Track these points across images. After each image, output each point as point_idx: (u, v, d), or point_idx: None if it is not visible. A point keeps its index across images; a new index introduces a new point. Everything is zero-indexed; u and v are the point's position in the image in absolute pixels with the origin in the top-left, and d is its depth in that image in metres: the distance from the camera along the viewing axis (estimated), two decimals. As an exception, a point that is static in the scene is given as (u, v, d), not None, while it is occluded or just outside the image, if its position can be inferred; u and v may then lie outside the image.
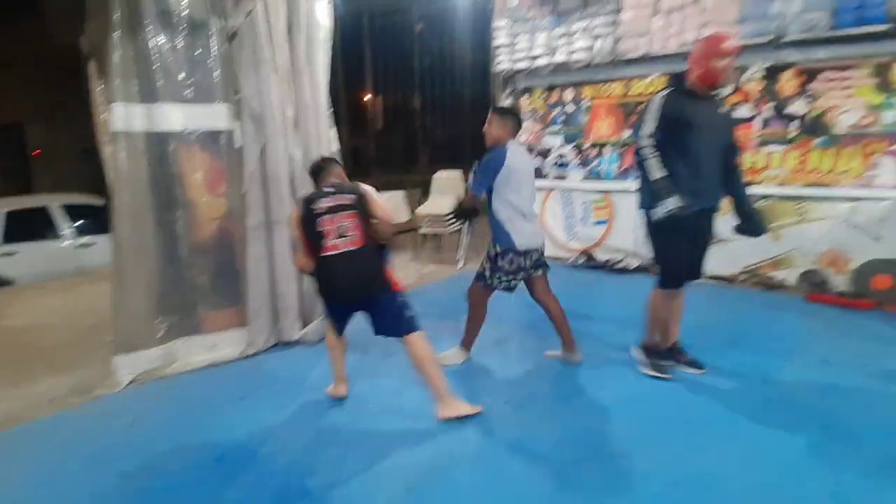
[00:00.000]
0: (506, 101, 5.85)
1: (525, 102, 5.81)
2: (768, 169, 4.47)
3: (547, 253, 5.59)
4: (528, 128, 5.80)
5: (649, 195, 2.71)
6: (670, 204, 2.58)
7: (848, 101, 4.06)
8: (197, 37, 3.26)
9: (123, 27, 3.02)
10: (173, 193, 3.28)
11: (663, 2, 4.58)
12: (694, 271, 2.92)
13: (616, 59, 4.96)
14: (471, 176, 3.10)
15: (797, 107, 4.27)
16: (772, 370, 3.04)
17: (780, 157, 4.40)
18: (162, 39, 3.14)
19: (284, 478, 2.25)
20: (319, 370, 3.12)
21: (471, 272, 3.26)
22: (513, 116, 3.12)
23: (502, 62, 5.73)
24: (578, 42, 5.07)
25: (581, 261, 5.46)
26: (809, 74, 4.18)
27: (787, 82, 4.28)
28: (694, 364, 3.03)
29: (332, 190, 2.61)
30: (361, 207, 2.56)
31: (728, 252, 4.66)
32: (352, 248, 2.50)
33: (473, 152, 6.41)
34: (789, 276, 4.46)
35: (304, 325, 3.64)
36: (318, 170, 2.74)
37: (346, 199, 2.56)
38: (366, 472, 2.26)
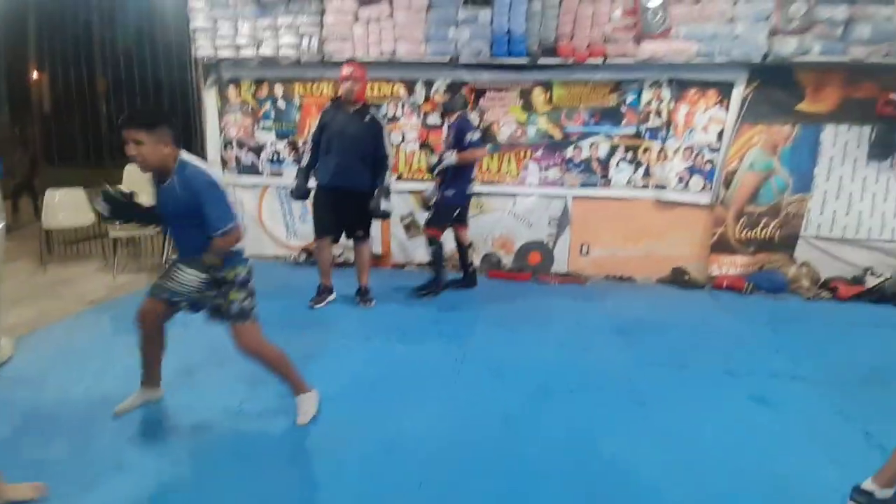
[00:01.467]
0: (210, 90, 5.43)
1: (233, 94, 5.49)
2: (455, 169, 5.27)
3: (269, 252, 5.56)
4: (239, 121, 5.52)
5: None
6: (295, 188, 4.07)
7: (505, 117, 5.11)
8: None
9: None
10: None
11: (362, 11, 4.92)
12: (331, 230, 4.10)
13: (324, 60, 5.11)
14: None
15: (473, 118, 5.15)
16: (462, 335, 3.64)
17: (462, 160, 5.25)
18: None
19: None
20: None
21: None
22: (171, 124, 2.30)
23: (203, 47, 5.29)
24: (285, 38, 5.04)
25: (302, 258, 5.47)
26: (479, 92, 5.10)
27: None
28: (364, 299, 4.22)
29: None
30: None
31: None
32: None
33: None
34: (475, 258, 5.37)
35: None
36: None
37: None
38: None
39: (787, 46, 4.35)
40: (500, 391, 2.88)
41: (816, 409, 2.79)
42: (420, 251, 5.40)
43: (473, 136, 4.26)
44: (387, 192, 4.01)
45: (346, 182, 3.94)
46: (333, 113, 3.99)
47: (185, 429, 2.48)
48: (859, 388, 3.00)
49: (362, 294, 4.25)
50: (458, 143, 4.26)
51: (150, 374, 2.63)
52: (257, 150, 5.54)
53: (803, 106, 4.64)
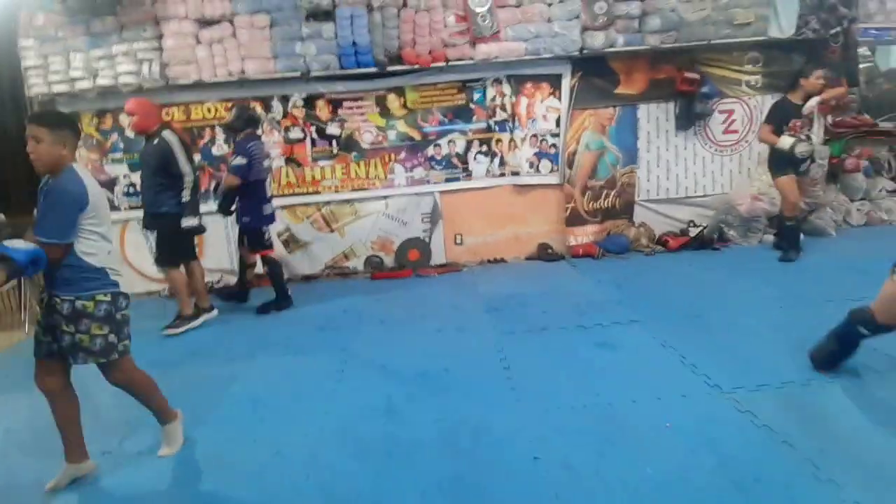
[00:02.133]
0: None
1: (72, 129, 5.14)
2: (325, 179, 5.39)
3: (139, 288, 5.30)
4: (85, 157, 5.19)
5: None
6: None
7: (365, 124, 5.32)
8: None
9: None
10: None
11: (203, 33, 4.86)
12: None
13: (169, 84, 4.97)
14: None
15: (333, 128, 5.31)
16: (346, 339, 3.81)
17: (330, 170, 5.38)
18: None
19: None
20: None
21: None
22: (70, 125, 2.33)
23: (36, 85, 4.95)
24: (123, 66, 4.84)
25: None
26: (336, 103, 5.26)
27: (322, 109, 5.26)
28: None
29: None
30: None
31: (309, 255, 5.46)
32: None
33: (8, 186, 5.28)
34: (357, 263, 5.55)
35: None
36: None
37: None
38: None
39: (597, 40, 5.00)
40: (383, 385, 3.09)
41: (646, 344, 3.34)
42: (303, 264, 5.47)
43: (234, 160, 4.18)
44: (193, 209, 4.08)
45: (148, 208, 4.13)
46: (144, 143, 4.19)
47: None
48: (678, 322, 3.61)
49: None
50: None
51: (72, 446, 2.37)
52: (110, 185, 5.25)
53: (620, 90, 5.36)
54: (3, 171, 5.48)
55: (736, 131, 5.50)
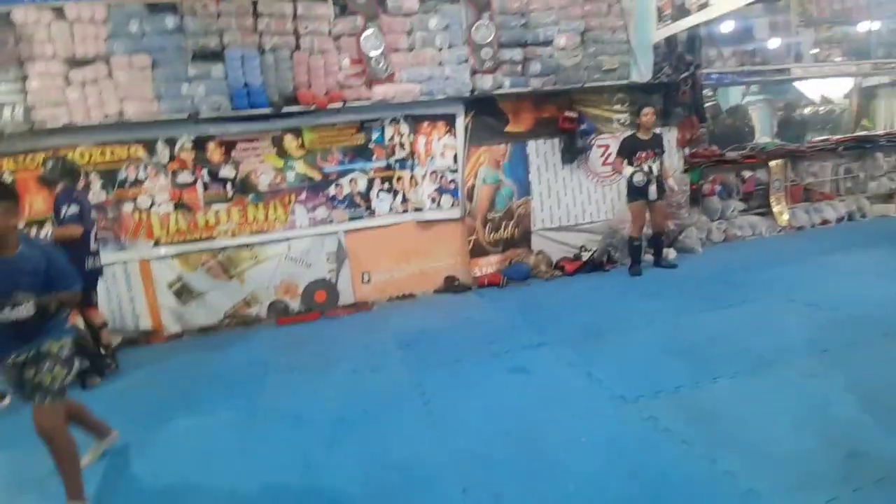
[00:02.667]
0: None
1: None
2: (220, 224, 5.12)
3: None
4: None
5: None
6: None
7: (261, 166, 5.17)
8: None
9: None
10: None
11: (74, 74, 4.48)
12: None
13: (34, 129, 4.49)
14: None
15: (227, 171, 5.09)
16: (253, 391, 3.59)
17: (225, 214, 5.13)
18: None
19: None
20: None
21: None
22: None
23: None
24: (-23, 108, 4.30)
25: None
26: (229, 145, 5.07)
27: (214, 151, 5.04)
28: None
29: None
30: None
31: (206, 304, 5.12)
32: None
33: None
34: (261, 309, 5.28)
35: None
36: None
37: None
38: None
39: (486, 83, 5.35)
40: (297, 436, 2.94)
41: (554, 364, 3.51)
42: (199, 315, 5.09)
43: (69, 210, 3.87)
44: None
45: None
46: None
47: None
48: (580, 341, 3.85)
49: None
50: (57, 217, 3.92)
51: (97, 430, 2.86)
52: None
53: (510, 128, 5.74)
54: None
55: (612, 163, 6.10)
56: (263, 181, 5.20)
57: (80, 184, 4.35)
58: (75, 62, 4.53)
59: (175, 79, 4.67)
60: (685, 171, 6.38)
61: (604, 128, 6.03)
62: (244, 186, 5.16)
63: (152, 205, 4.96)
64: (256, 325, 5.21)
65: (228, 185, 5.12)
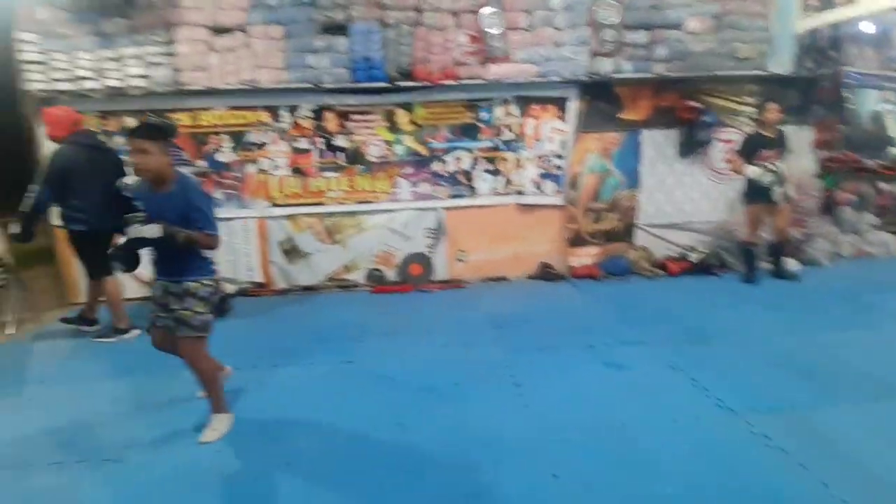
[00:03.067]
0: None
1: (76, 129, 5.07)
2: (329, 191, 5.38)
3: (136, 293, 5.20)
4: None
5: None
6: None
7: (372, 138, 5.34)
8: None
9: None
10: None
11: (217, 41, 4.87)
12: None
13: (179, 90, 4.95)
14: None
15: (341, 141, 5.32)
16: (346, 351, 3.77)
17: (336, 182, 5.38)
18: None
19: None
20: None
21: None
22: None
23: (36, 81, 4.87)
24: (133, 68, 4.81)
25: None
26: (345, 116, 5.28)
27: (331, 121, 5.27)
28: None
29: None
30: None
31: (311, 265, 5.42)
32: None
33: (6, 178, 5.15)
34: (359, 276, 5.51)
35: None
36: None
37: None
38: None
39: (605, 66, 5.11)
40: (390, 396, 3.06)
41: (654, 364, 3.35)
42: (304, 275, 5.42)
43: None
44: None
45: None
46: None
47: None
48: (684, 345, 3.63)
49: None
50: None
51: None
52: (112, 188, 5.17)
53: (625, 115, 5.47)
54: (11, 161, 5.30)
55: (731, 160, 5.63)
56: (373, 153, 5.37)
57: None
58: (218, 30, 4.91)
59: (303, 49, 4.92)
60: (819, 175, 5.74)
61: (729, 121, 5.56)
62: (355, 157, 5.36)
63: (272, 168, 5.31)
64: (353, 289, 5.44)
65: (341, 155, 5.35)
